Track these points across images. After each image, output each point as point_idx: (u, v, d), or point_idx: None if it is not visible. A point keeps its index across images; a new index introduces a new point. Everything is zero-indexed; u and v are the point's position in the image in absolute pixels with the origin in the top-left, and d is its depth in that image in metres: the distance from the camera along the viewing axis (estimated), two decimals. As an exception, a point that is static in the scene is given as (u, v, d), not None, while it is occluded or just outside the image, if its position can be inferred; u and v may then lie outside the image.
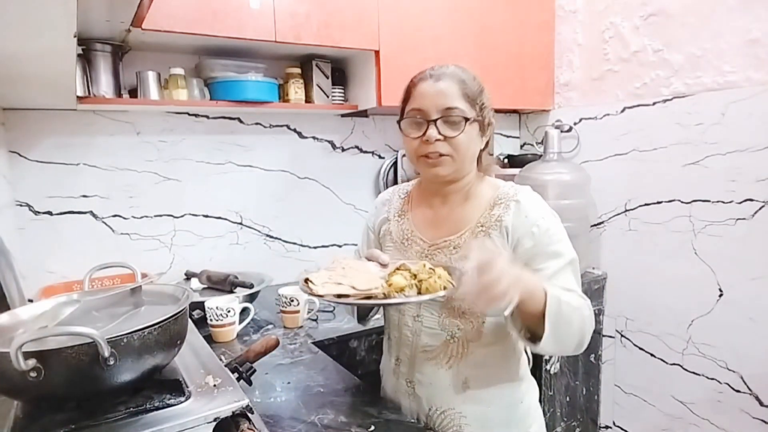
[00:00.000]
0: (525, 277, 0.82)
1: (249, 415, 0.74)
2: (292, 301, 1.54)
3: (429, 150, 0.96)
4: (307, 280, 0.92)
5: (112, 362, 0.65)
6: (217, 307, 1.42)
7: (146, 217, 1.82)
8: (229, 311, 1.43)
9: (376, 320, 1.58)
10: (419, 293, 0.85)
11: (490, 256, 0.76)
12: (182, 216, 1.89)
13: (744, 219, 1.70)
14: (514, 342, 1.02)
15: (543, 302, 0.84)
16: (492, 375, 1.02)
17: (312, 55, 1.88)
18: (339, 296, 0.86)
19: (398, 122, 1.01)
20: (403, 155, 2.26)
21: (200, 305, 1.51)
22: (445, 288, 0.85)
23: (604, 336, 2.17)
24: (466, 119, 0.94)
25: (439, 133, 0.94)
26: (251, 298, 1.68)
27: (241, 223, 2.01)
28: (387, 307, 1.11)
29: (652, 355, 2.01)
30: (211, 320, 1.43)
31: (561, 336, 0.87)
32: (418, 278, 0.87)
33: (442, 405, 1.02)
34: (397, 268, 0.90)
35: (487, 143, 1.03)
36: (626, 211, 2.05)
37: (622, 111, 2.02)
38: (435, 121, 0.94)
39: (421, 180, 1.12)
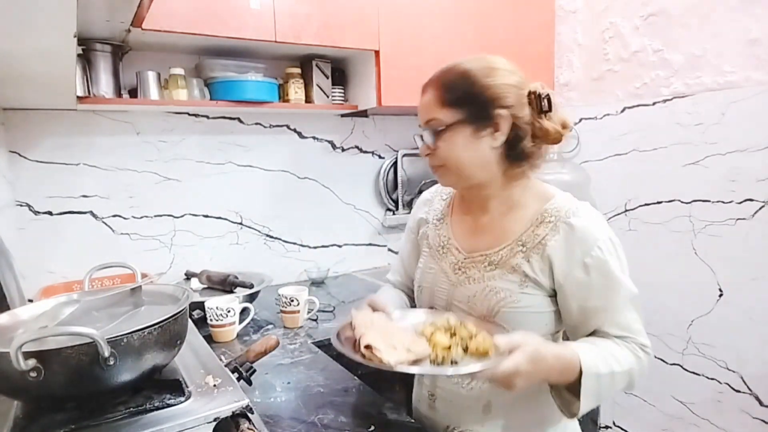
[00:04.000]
0: (551, 365, 0.76)
1: (249, 415, 0.74)
2: (292, 301, 1.54)
3: (428, 163, 0.94)
4: (367, 346, 0.80)
5: (112, 362, 0.65)
6: (217, 307, 1.42)
7: (146, 217, 1.82)
8: (229, 311, 1.43)
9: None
10: (465, 350, 0.81)
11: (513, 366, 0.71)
12: (182, 216, 1.89)
13: (744, 219, 1.69)
14: None
15: (578, 380, 0.78)
16: (517, 401, 0.91)
17: (312, 55, 1.88)
18: (413, 363, 0.80)
19: (414, 137, 0.98)
20: (404, 155, 2.27)
21: (200, 305, 1.51)
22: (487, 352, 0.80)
23: (604, 336, 2.17)
24: (437, 130, 0.88)
25: (426, 145, 0.91)
26: (251, 298, 1.68)
27: (241, 223, 2.01)
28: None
29: (652, 355, 2.01)
30: (211, 320, 1.43)
31: (602, 400, 0.84)
32: (457, 334, 0.84)
33: (460, 425, 0.96)
34: (424, 330, 0.87)
35: (518, 140, 0.88)
36: (626, 211, 2.05)
37: (622, 111, 2.02)
38: (422, 135, 0.91)
39: None
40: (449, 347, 0.81)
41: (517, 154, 0.89)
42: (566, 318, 0.89)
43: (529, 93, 0.89)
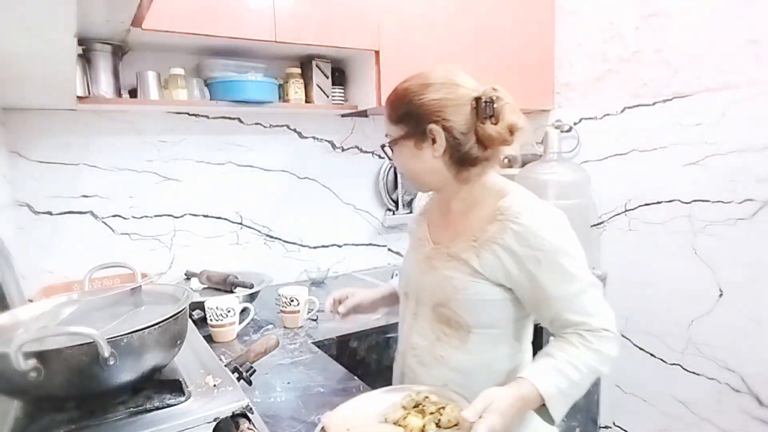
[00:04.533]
0: (517, 406, 0.81)
1: (249, 415, 0.74)
2: (292, 301, 1.54)
3: None
4: None
5: (112, 362, 0.65)
6: (216, 307, 1.42)
7: (146, 217, 1.82)
8: (228, 311, 1.43)
9: (376, 320, 1.59)
10: (437, 425, 0.83)
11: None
12: (182, 216, 1.89)
13: (744, 219, 1.69)
14: (503, 356, 1.00)
15: (540, 403, 0.84)
16: (473, 384, 0.95)
17: (312, 55, 1.88)
18: None
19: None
20: (403, 155, 2.26)
21: (200, 305, 1.51)
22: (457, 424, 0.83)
23: (604, 336, 2.16)
24: (390, 144, 1.01)
25: (389, 158, 1.04)
26: (251, 298, 1.68)
27: (241, 223, 2.01)
28: (400, 300, 1.16)
29: (652, 355, 2.01)
30: (211, 320, 1.43)
31: (574, 401, 0.89)
32: (426, 410, 0.86)
33: None
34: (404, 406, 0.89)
35: (458, 147, 0.94)
36: (626, 211, 2.05)
37: (622, 111, 2.02)
38: (383, 148, 1.04)
39: None
40: (423, 427, 0.83)
41: (462, 159, 0.95)
42: (527, 308, 0.96)
43: (475, 99, 0.94)
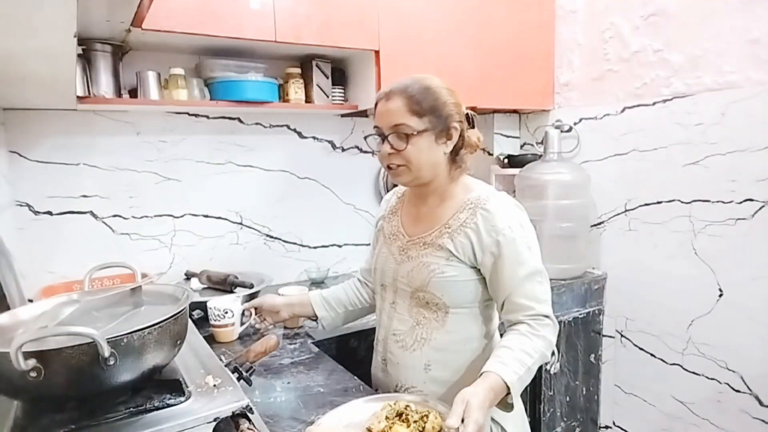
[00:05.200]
0: (490, 398, 0.89)
1: (249, 415, 0.74)
2: (227, 313, 1.50)
3: (387, 162, 1.07)
4: None
5: (112, 362, 0.65)
6: (215, 307, 1.42)
7: (146, 217, 1.82)
8: (226, 312, 1.42)
9: (376, 320, 1.59)
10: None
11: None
12: (182, 216, 1.89)
13: (744, 219, 1.69)
14: (478, 333, 1.12)
15: (506, 391, 0.93)
16: (453, 360, 1.11)
17: (312, 55, 1.88)
18: None
19: (365, 138, 1.14)
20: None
21: (200, 305, 1.51)
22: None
23: (604, 336, 2.17)
24: (409, 134, 1.03)
25: (392, 147, 1.05)
26: (251, 298, 1.68)
27: (241, 223, 2.01)
28: (376, 293, 1.25)
29: (652, 355, 2.01)
30: (212, 320, 1.43)
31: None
32: (409, 419, 0.89)
33: (407, 383, 1.13)
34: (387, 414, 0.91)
35: (457, 146, 1.09)
36: (626, 211, 2.05)
37: (622, 111, 2.02)
38: (387, 137, 1.06)
39: None
40: None
41: (457, 158, 1.11)
42: (489, 288, 1.08)
43: (467, 110, 1.11)
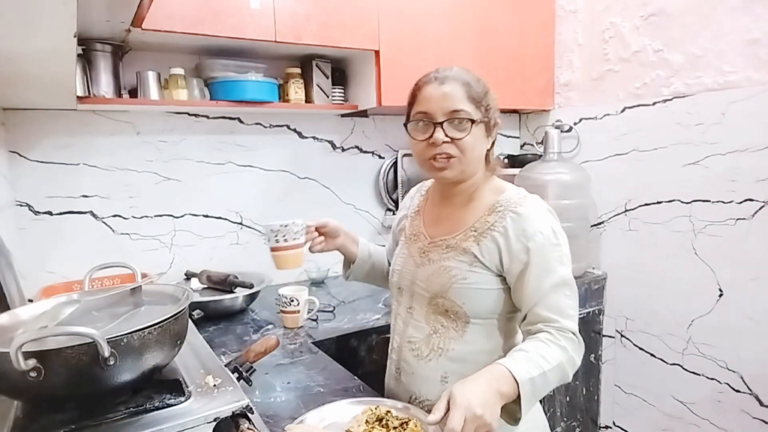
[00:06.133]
0: (496, 390, 0.81)
1: (249, 415, 0.74)
2: (292, 301, 1.54)
3: (436, 152, 0.96)
4: None
5: (112, 362, 0.65)
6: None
7: (146, 217, 1.82)
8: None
9: (376, 320, 1.59)
10: None
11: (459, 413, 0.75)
12: (182, 216, 1.89)
13: (744, 219, 1.69)
14: (499, 347, 1.02)
15: (516, 392, 0.83)
16: (471, 373, 0.96)
17: (312, 55, 1.88)
18: None
19: (405, 125, 1.02)
20: (404, 155, 2.26)
21: (200, 305, 1.51)
22: None
23: (604, 336, 2.17)
24: (473, 121, 0.95)
25: (446, 135, 0.95)
26: (251, 298, 1.68)
27: (241, 223, 2.01)
28: (392, 296, 1.16)
29: (652, 355, 2.01)
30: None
31: (539, 399, 0.92)
32: (389, 424, 0.89)
33: (421, 395, 1.05)
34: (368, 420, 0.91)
35: (493, 143, 1.04)
36: (626, 211, 2.05)
37: (622, 111, 2.02)
38: (441, 123, 0.95)
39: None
40: None
41: (489, 156, 1.04)
42: (513, 297, 0.99)
43: None
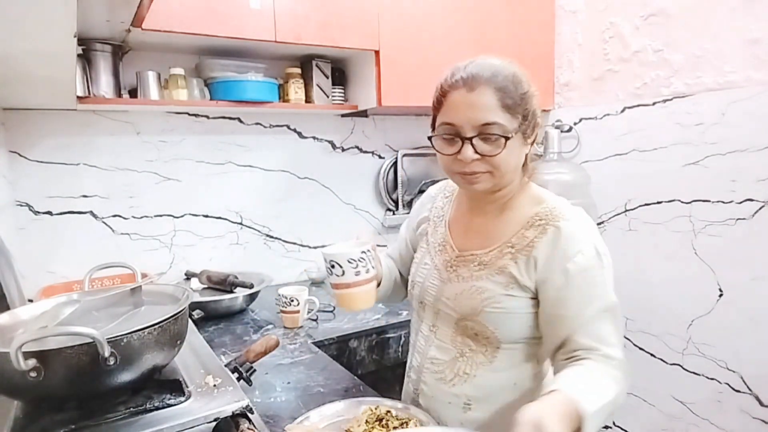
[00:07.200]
0: (565, 421, 0.67)
1: (249, 415, 0.74)
2: (292, 301, 1.54)
3: (465, 169, 0.85)
4: None
5: (112, 362, 0.65)
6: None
7: (146, 217, 1.82)
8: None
9: (376, 320, 1.59)
10: None
11: None
12: (182, 216, 1.89)
13: (744, 219, 1.69)
14: (529, 373, 0.93)
15: (578, 425, 0.70)
16: (497, 401, 0.92)
17: (312, 55, 1.88)
18: None
19: (429, 138, 0.90)
20: (404, 155, 2.27)
21: (200, 305, 1.51)
22: None
23: (604, 336, 2.16)
24: (507, 137, 0.82)
25: (476, 151, 0.83)
26: (251, 298, 1.68)
27: (241, 223, 2.01)
28: (412, 309, 1.05)
29: (652, 355, 2.01)
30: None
31: None
32: (389, 425, 0.88)
33: (440, 420, 0.95)
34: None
35: (533, 143, 0.90)
36: (626, 211, 2.05)
37: (622, 111, 2.02)
38: (470, 138, 0.83)
39: None
40: None
41: (528, 158, 0.91)
42: (541, 323, 0.87)
43: None
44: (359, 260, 0.89)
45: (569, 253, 0.83)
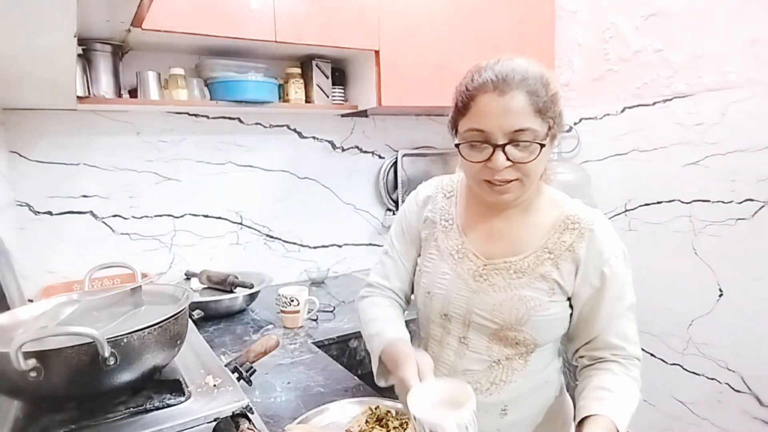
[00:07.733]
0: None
1: (249, 415, 0.74)
2: (292, 301, 1.54)
3: (496, 177, 0.81)
4: None
5: (112, 362, 0.65)
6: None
7: (146, 217, 1.82)
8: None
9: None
10: None
11: None
12: (182, 216, 1.89)
13: (744, 219, 1.69)
14: (555, 367, 0.97)
15: None
16: (531, 401, 0.94)
17: (312, 55, 1.88)
18: None
19: (456, 145, 0.86)
20: (404, 155, 2.26)
21: (200, 305, 1.51)
22: None
23: (604, 336, 2.17)
24: (542, 144, 0.80)
25: (508, 159, 0.79)
26: (251, 298, 1.68)
27: (241, 223, 2.01)
28: (429, 321, 0.99)
29: (652, 355, 2.01)
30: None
31: None
32: (389, 425, 0.88)
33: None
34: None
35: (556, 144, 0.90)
36: (626, 211, 2.05)
37: (622, 111, 2.02)
38: (503, 146, 0.79)
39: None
40: None
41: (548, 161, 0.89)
42: (577, 322, 0.90)
43: None
44: (468, 424, 0.68)
45: (605, 256, 0.86)
